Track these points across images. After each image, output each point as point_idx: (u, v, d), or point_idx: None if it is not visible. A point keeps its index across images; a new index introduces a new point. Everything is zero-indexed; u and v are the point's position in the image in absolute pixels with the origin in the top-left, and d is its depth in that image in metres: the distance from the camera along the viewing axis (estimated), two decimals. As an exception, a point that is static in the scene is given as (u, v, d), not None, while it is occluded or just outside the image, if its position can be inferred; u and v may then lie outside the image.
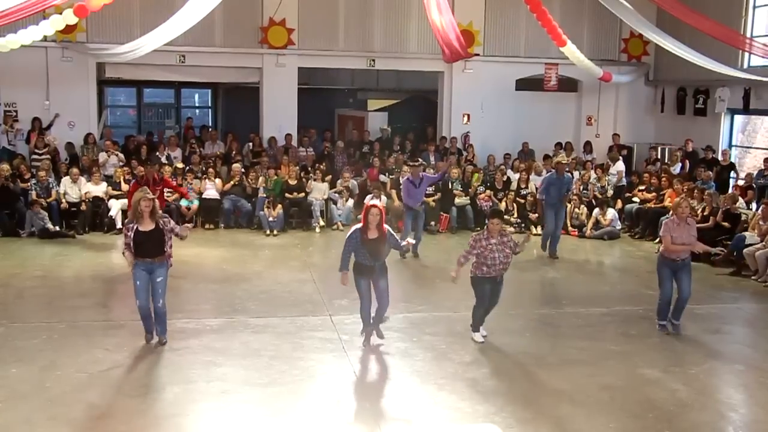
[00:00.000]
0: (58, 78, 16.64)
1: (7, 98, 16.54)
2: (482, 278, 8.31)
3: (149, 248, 7.83)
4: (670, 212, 14.28)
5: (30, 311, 9.45)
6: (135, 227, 7.82)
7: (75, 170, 14.81)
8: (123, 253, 8.24)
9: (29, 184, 14.49)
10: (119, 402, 6.83)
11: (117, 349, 7.94)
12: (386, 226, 8.08)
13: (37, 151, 15.83)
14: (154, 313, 8.06)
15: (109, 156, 15.69)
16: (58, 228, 13.96)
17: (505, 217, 15.44)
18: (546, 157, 17.70)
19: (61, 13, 11.93)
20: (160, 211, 8.12)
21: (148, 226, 7.83)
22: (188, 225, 8.71)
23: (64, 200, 14.43)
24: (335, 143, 18.30)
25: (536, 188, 16.06)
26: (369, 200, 15.50)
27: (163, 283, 8.00)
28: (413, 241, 9.40)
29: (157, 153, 16.60)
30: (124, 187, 14.81)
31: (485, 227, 8.42)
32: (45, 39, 13.33)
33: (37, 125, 16.20)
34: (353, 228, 8.07)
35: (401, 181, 13.51)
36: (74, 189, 14.56)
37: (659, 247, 9.33)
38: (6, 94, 16.53)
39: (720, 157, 16.40)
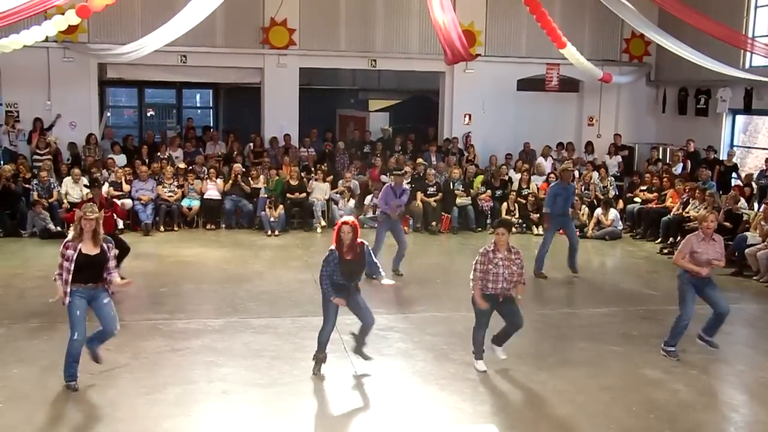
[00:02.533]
0: (59, 78, 16.65)
1: (8, 98, 16.58)
2: (482, 296, 7.52)
3: (92, 274, 6.95)
4: (671, 211, 14.48)
5: (31, 311, 9.45)
6: (78, 249, 6.90)
7: (76, 170, 14.81)
8: (54, 279, 6.99)
9: (31, 184, 14.50)
10: (120, 402, 6.83)
11: (118, 349, 7.92)
12: (362, 241, 7.40)
13: (38, 151, 15.85)
14: (104, 335, 7.18)
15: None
16: (59, 228, 13.94)
17: (506, 216, 15.50)
18: (545, 154, 17.77)
19: (63, 14, 11.94)
20: (104, 234, 7.17)
21: (92, 249, 6.93)
22: (122, 282, 7.45)
23: (65, 201, 14.42)
24: (336, 143, 18.31)
25: (537, 188, 16.10)
26: (369, 201, 15.58)
27: (111, 305, 7.10)
28: (392, 282, 7.90)
29: (158, 153, 16.64)
30: (126, 187, 14.85)
31: (493, 241, 7.58)
32: (46, 39, 13.32)
33: (39, 126, 16.22)
34: (328, 251, 7.34)
35: (410, 187, 12.91)
36: (75, 189, 14.54)
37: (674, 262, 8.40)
38: (7, 94, 16.57)
39: (724, 157, 16.39)
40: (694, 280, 8.06)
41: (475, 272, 7.50)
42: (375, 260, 7.61)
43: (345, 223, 7.32)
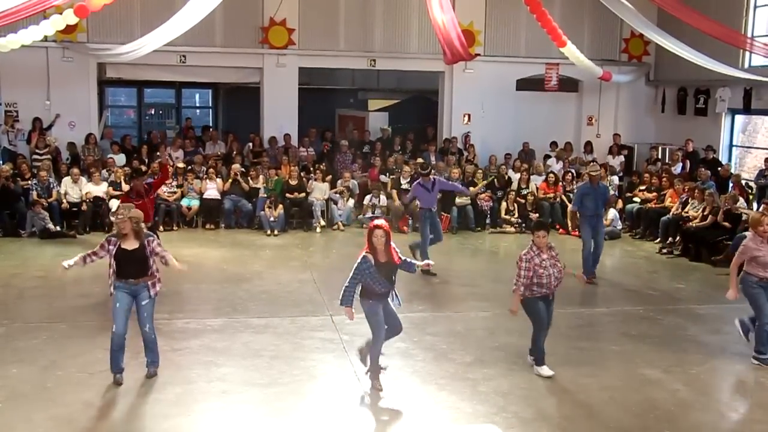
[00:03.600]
0: (58, 78, 16.65)
1: (7, 98, 16.56)
2: (534, 299, 7.55)
3: (133, 269, 7.12)
4: (670, 211, 14.46)
5: (31, 311, 9.46)
6: (118, 244, 7.12)
7: (76, 170, 14.81)
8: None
9: (30, 184, 14.50)
10: (120, 402, 6.83)
11: (118, 349, 7.93)
12: (393, 245, 7.04)
13: (37, 151, 15.85)
14: (142, 340, 7.34)
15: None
16: (58, 228, 13.96)
17: (506, 216, 15.50)
18: (546, 156, 17.79)
19: (61, 13, 11.93)
20: (146, 230, 7.38)
21: (131, 244, 7.14)
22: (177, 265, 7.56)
23: (64, 200, 14.42)
24: (335, 143, 18.29)
25: (536, 188, 16.10)
26: (368, 200, 15.57)
27: (150, 306, 7.26)
28: (432, 263, 8.39)
29: (158, 153, 16.63)
30: (125, 187, 14.82)
31: (531, 242, 7.56)
32: (45, 39, 13.34)
33: (38, 125, 16.22)
34: (360, 256, 6.96)
35: (411, 186, 13.20)
36: (75, 189, 14.56)
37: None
38: (7, 94, 16.56)
39: (724, 157, 16.37)
40: (763, 283, 8.09)
41: (520, 279, 7.46)
42: (406, 258, 7.39)
43: (378, 227, 6.89)
